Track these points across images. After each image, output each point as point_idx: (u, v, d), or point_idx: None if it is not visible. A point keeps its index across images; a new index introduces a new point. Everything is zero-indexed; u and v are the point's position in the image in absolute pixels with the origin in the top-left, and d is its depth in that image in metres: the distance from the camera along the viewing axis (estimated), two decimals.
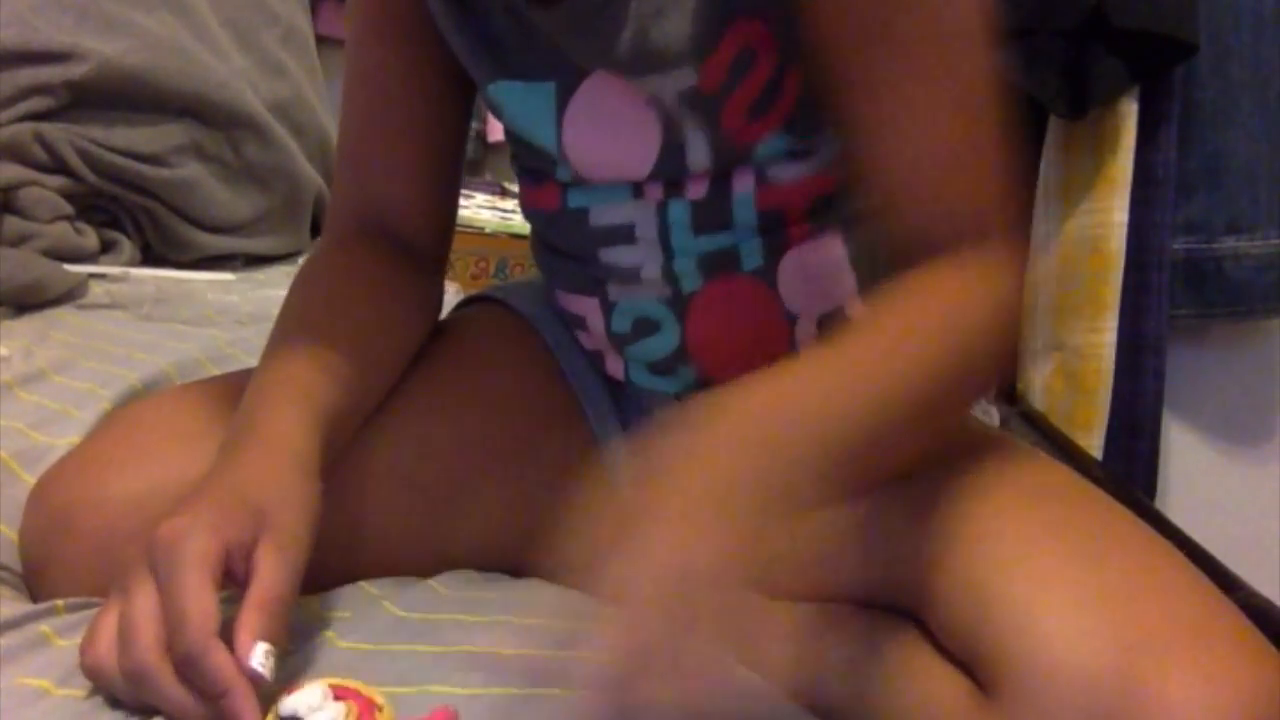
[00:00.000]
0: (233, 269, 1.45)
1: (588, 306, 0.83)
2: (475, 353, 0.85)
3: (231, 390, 0.74)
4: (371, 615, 0.67)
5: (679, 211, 0.77)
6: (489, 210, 1.75)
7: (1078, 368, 1.54)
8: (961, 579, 0.61)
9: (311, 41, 1.70)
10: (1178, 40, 1.42)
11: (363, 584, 0.71)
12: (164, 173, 1.39)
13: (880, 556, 0.67)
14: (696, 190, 0.76)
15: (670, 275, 0.78)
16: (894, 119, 0.68)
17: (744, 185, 0.76)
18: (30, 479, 0.76)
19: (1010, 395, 1.62)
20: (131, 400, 0.92)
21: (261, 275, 1.44)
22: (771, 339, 0.79)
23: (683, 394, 0.82)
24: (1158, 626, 0.55)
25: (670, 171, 0.76)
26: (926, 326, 0.65)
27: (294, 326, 0.76)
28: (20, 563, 0.72)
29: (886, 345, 0.64)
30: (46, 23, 1.35)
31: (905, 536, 0.66)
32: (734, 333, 0.78)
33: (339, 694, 0.55)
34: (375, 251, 0.81)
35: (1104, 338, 1.52)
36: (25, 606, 0.63)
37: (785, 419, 0.57)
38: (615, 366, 0.85)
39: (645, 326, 0.81)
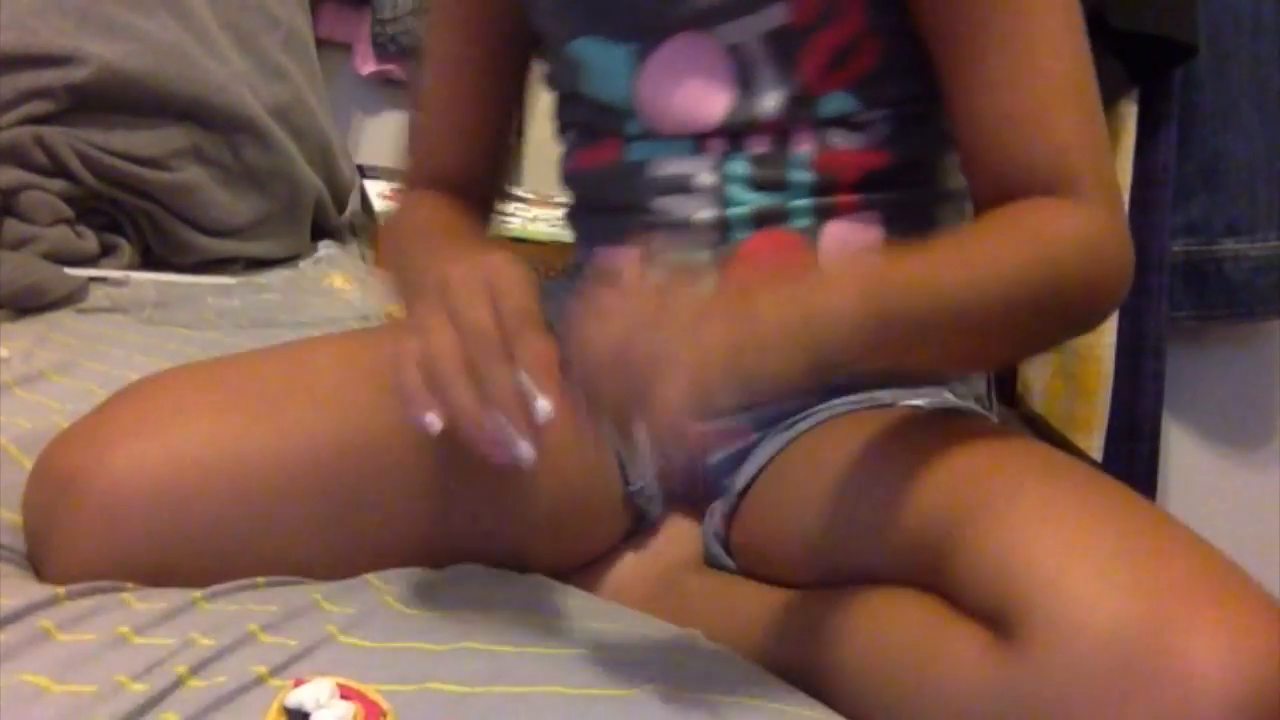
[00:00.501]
0: (233, 273, 1.45)
1: (629, 258, 0.86)
2: None
3: (236, 369, 0.76)
4: (375, 611, 0.67)
5: (739, 165, 0.83)
6: None
7: (1077, 369, 1.54)
8: (986, 538, 0.62)
9: (312, 45, 1.70)
10: (1177, 42, 1.42)
11: (369, 577, 0.72)
12: (164, 176, 1.39)
13: (908, 529, 0.68)
14: (758, 145, 0.82)
15: (722, 225, 0.83)
16: (990, 73, 0.74)
17: (803, 145, 0.82)
18: (29, 464, 0.76)
19: (1010, 397, 1.62)
20: None
21: (262, 279, 1.44)
22: None
23: None
24: (1182, 583, 0.55)
25: (738, 123, 0.82)
26: (1018, 237, 0.71)
27: (414, 226, 0.91)
28: (23, 534, 0.71)
29: (982, 243, 0.72)
30: (47, 26, 1.35)
31: (931, 509, 0.67)
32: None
33: (345, 694, 0.56)
34: (447, 196, 0.93)
35: (1104, 339, 1.52)
36: (26, 596, 0.63)
37: (886, 276, 0.65)
38: None
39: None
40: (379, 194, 1.69)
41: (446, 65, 0.94)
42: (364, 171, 1.80)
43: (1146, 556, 0.58)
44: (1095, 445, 1.54)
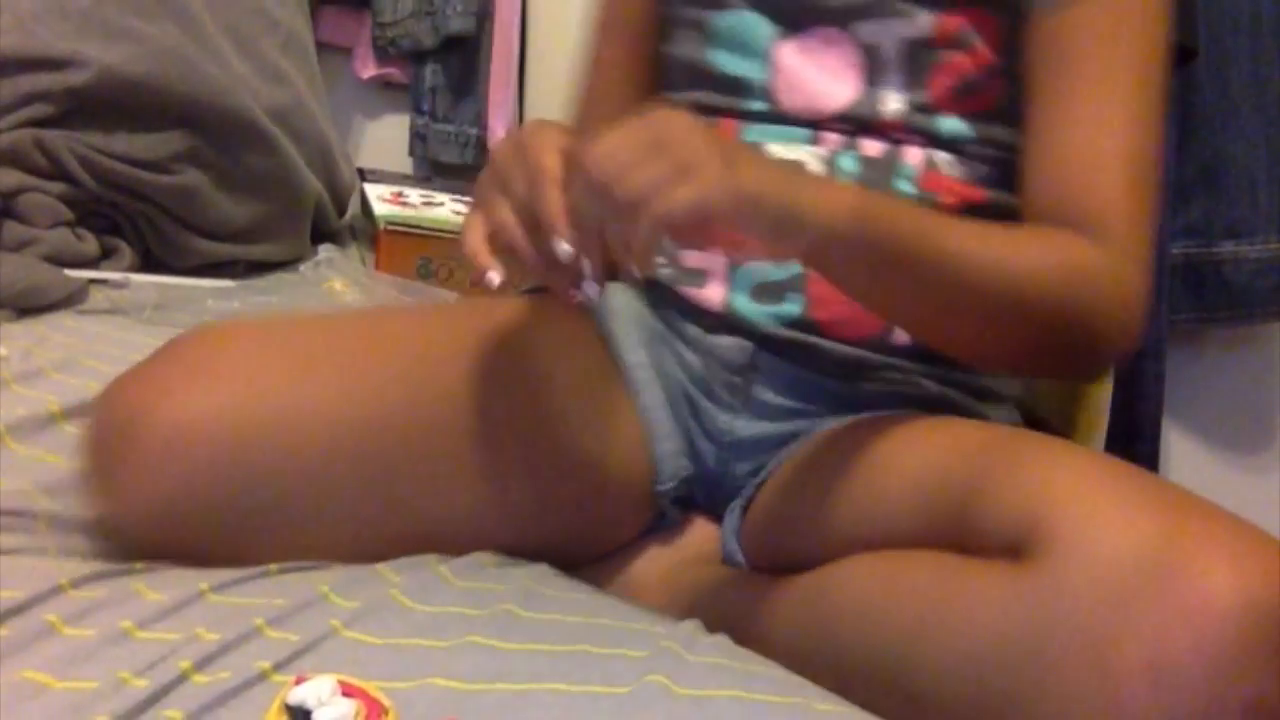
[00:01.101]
0: (233, 275, 1.45)
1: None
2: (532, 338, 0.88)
3: (306, 327, 0.81)
4: (381, 606, 0.67)
5: (849, 162, 0.86)
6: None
7: None
8: (1010, 479, 0.65)
9: (312, 48, 1.70)
10: (1177, 44, 1.42)
11: (380, 568, 0.72)
12: (164, 179, 1.39)
13: (931, 488, 0.71)
14: (871, 148, 0.86)
15: None
16: (1066, 115, 0.80)
17: (913, 159, 0.85)
18: (16, 447, 0.80)
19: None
20: None
21: (262, 282, 1.43)
22: None
23: (773, 329, 0.87)
24: (1194, 514, 0.59)
25: (859, 116, 0.86)
26: (1047, 245, 0.77)
27: None
28: (82, 472, 0.74)
29: (1010, 233, 0.78)
30: (47, 30, 1.35)
31: (955, 468, 0.70)
32: None
33: (347, 691, 0.55)
34: None
35: None
36: (32, 586, 0.63)
37: (887, 206, 0.73)
38: (716, 292, 0.89)
39: None
40: (379, 197, 1.69)
41: (605, 71, 1.02)
42: (364, 175, 1.80)
43: (1161, 493, 0.61)
44: (1095, 447, 1.53)
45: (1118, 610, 0.56)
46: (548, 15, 1.89)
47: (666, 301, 0.93)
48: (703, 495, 0.92)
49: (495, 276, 0.68)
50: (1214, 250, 1.56)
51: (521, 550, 0.81)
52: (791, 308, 0.86)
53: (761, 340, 0.87)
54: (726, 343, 0.89)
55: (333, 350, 0.79)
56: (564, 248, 0.66)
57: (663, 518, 0.92)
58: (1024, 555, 0.61)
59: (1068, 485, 0.62)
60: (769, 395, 0.88)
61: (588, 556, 0.87)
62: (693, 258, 0.90)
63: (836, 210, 0.69)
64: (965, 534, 0.66)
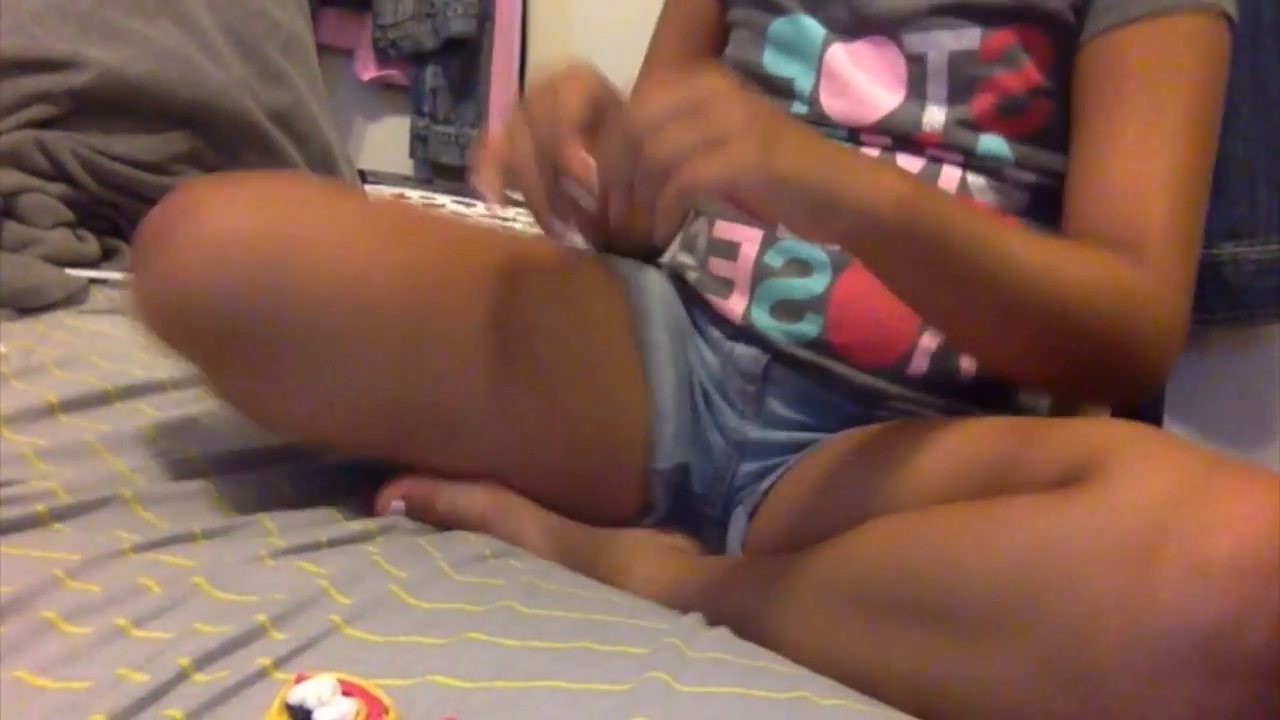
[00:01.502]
0: None
1: (748, 235, 0.89)
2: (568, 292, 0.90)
3: (359, 197, 0.90)
4: (380, 602, 0.67)
5: None
6: (489, 220, 1.76)
7: None
8: (1062, 431, 0.66)
9: (312, 50, 1.70)
10: None
11: (380, 561, 0.72)
12: (165, 180, 1.39)
13: (976, 458, 0.71)
14: (910, 164, 0.85)
15: None
16: (1113, 139, 0.80)
17: (950, 180, 0.85)
18: (12, 436, 0.80)
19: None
20: (133, 393, 0.94)
21: None
22: (903, 320, 0.84)
23: (787, 346, 0.87)
24: (1234, 461, 0.59)
25: (900, 125, 0.85)
26: (1095, 258, 0.77)
27: None
28: (130, 265, 0.78)
29: (1060, 242, 0.79)
30: (48, 31, 1.35)
31: (1001, 437, 0.71)
32: (878, 299, 0.80)
33: (347, 690, 0.55)
34: None
35: None
36: (27, 580, 0.63)
37: (935, 198, 0.72)
38: (738, 303, 0.89)
39: (798, 266, 0.87)
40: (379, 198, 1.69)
41: (663, 64, 1.04)
42: (365, 176, 1.80)
43: (1204, 449, 0.62)
44: None
45: (1162, 514, 0.56)
46: (548, 17, 1.90)
47: (693, 299, 0.94)
48: (702, 487, 0.92)
49: (494, 203, 0.72)
50: (1214, 251, 1.56)
51: (516, 483, 0.84)
52: (809, 328, 0.86)
53: (776, 355, 0.88)
54: (743, 352, 0.89)
55: (392, 219, 0.82)
56: (578, 191, 0.68)
57: (650, 509, 0.91)
58: (1075, 481, 0.61)
59: (1117, 434, 0.62)
60: (780, 407, 0.89)
61: (578, 517, 0.87)
62: (720, 267, 0.91)
63: (882, 199, 0.67)
64: (1008, 489, 0.66)
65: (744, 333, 0.89)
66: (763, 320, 0.88)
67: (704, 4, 1.01)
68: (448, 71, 1.92)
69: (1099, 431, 0.64)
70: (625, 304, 0.93)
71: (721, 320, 0.91)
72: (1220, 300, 1.57)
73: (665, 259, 1.01)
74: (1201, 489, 0.56)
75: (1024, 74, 0.84)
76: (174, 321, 0.75)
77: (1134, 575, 0.55)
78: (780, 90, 0.90)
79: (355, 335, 0.76)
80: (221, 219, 0.74)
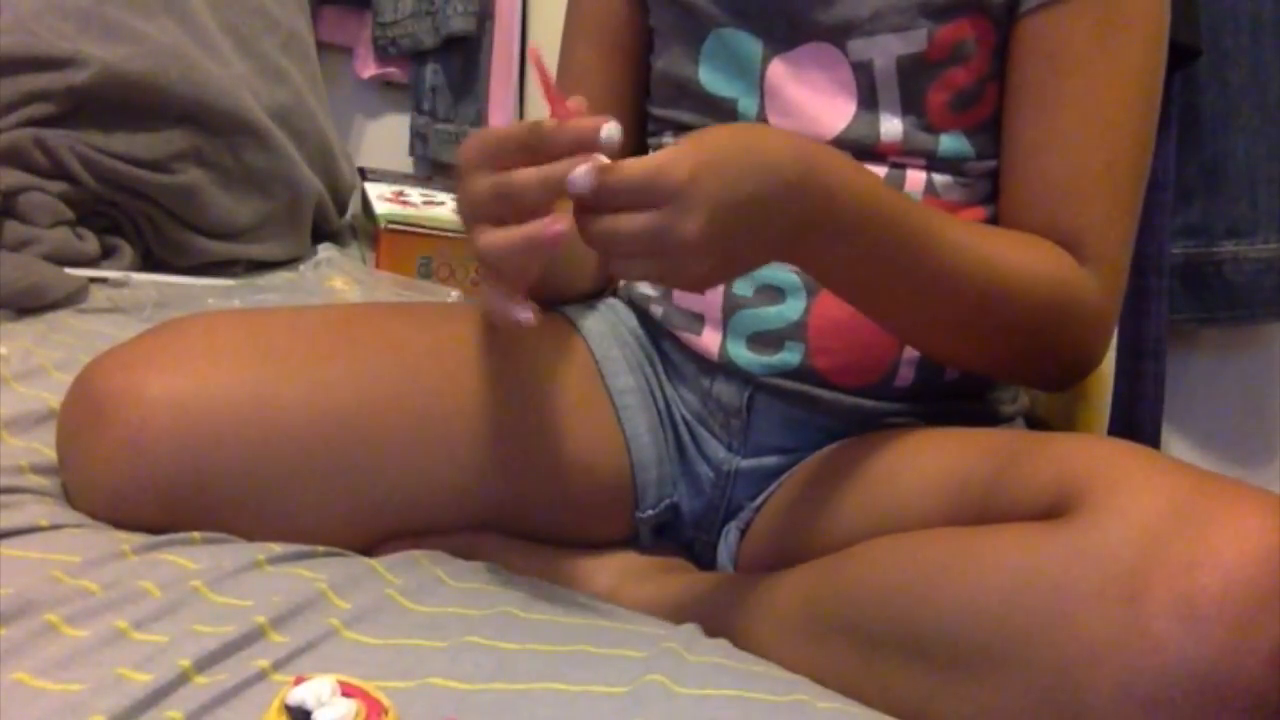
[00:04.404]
0: (233, 274, 1.45)
1: None
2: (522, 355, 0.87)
3: (279, 319, 0.80)
4: (380, 607, 0.67)
5: None
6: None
7: None
8: (1042, 456, 0.65)
9: (312, 48, 1.70)
10: (1179, 45, 1.42)
11: (378, 567, 0.72)
12: (164, 178, 1.39)
13: (958, 472, 0.71)
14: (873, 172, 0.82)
15: None
16: (1045, 134, 0.78)
17: (914, 185, 0.82)
18: (11, 440, 0.80)
19: None
20: None
21: (262, 281, 1.44)
22: (885, 335, 0.82)
23: (770, 379, 0.85)
24: (1222, 481, 0.59)
25: (858, 140, 0.82)
26: (1039, 247, 0.77)
27: None
28: (57, 458, 0.74)
29: (981, 228, 0.78)
30: (48, 29, 1.35)
31: (981, 455, 0.70)
32: (858, 318, 0.79)
33: (347, 691, 0.55)
34: None
35: None
36: (30, 582, 0.63)
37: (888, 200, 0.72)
38: (712, 339, 0.87)
39: (770, 294, 0.84)
40: (380, 196, 1.69)
41: (578, 75, 0.96)
42: (364, 174, 1.80)
43: (1186, 466, 0.61)
44: None
45: (1150, 549, 0.56)
46: (548, 15, 1.89)
47: (660, 333, 0.91)
48: (694, 518, 0.90)
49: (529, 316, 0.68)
50: (1214, 250, 1.56)
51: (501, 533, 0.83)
52: (791, 356, 0.84)
53: (759, 386, 0.86)
54: (723, 388, 0.87)
55: (315, 341, 0.78)
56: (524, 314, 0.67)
57: (636, 539, 0.90)
58: (1059, 512, 0.61)
59: (1100, 456, 0.62)
60: (768, 436, 0.87)
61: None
62: (687, 300, 0.88)
63: (833, 256, 0.71)
64: (991, 514, 0.65)
65: (722, 369, 0.86)
66: (742, 356, 0.85)
67: (614, 8, 0.94)
68: (448, 69, 1.92)
69: (1083, 453, 0.63)
70: (585, 350, 0.90)
71: (697, 357, 0.88)
72: (1220, 300, 1.57)
73: (620, 290, 0.97)
74: (1188, 517, 0.56)
75: (974, 66, 0.81)
76: (117, 509, 0.72)
77: (1124, 615, 0.55)
78: (724, 114, 0.86)
79: (307, 487, 0.75)
80: (146, 407, 0.71)
